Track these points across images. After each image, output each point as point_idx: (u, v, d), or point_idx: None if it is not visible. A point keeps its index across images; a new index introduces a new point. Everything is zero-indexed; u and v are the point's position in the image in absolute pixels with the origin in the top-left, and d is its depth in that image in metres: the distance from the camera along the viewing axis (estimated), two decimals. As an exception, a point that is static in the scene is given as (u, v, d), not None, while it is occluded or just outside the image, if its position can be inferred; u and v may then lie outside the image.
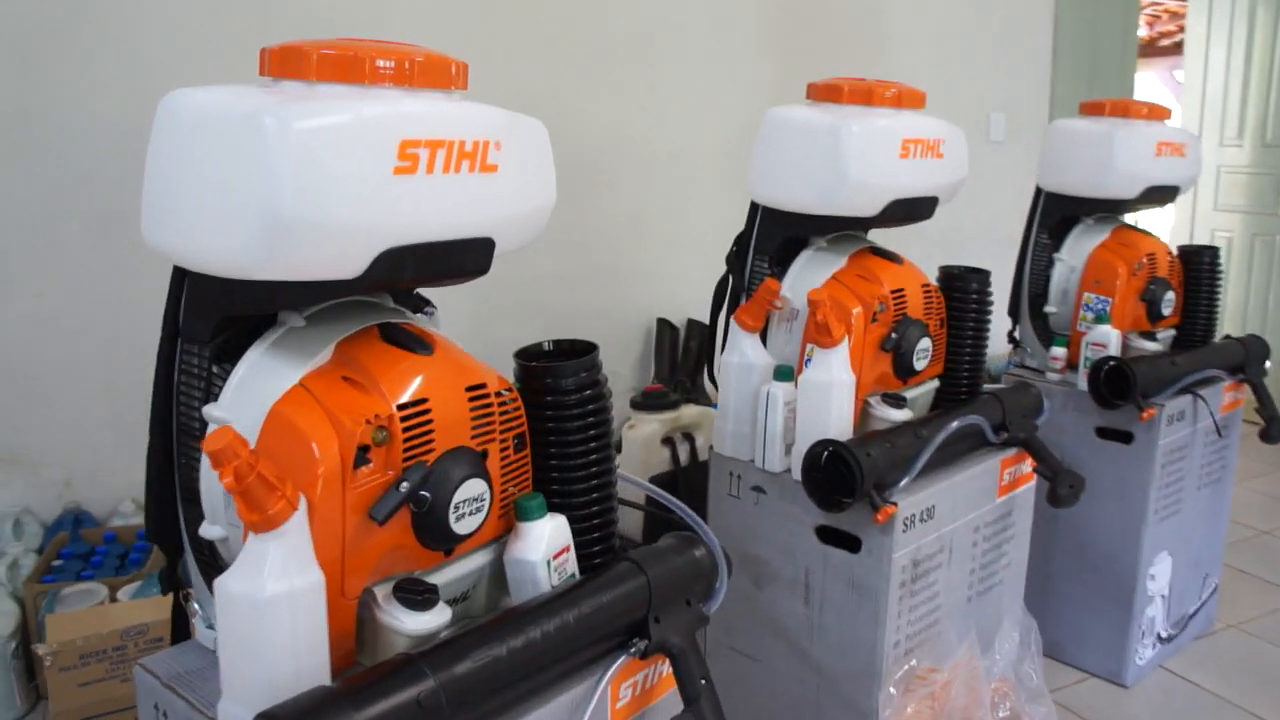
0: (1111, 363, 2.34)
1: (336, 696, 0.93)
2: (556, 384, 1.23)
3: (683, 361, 3.51)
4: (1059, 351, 2.55)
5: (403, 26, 2.93)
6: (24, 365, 2.54)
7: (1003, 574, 2.07)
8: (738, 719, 2.01)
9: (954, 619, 1.95)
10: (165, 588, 1.26)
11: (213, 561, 1.15)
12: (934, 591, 1.88)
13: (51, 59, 2.47)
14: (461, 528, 1.09)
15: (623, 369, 3.51)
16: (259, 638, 0.95)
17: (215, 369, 1.13)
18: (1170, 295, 2.55)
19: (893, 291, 1.87)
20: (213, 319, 1.11)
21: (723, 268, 2.05)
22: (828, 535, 1.84)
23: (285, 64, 1.03)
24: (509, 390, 1.19)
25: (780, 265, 1.98)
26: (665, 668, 1.25)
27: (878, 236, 2.07)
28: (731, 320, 1.94)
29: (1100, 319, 2.47)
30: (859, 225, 2.00)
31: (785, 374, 1.85)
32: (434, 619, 1.07)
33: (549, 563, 1.17)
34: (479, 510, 1.11)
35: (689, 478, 3.07)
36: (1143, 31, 7.40)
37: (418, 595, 1.07)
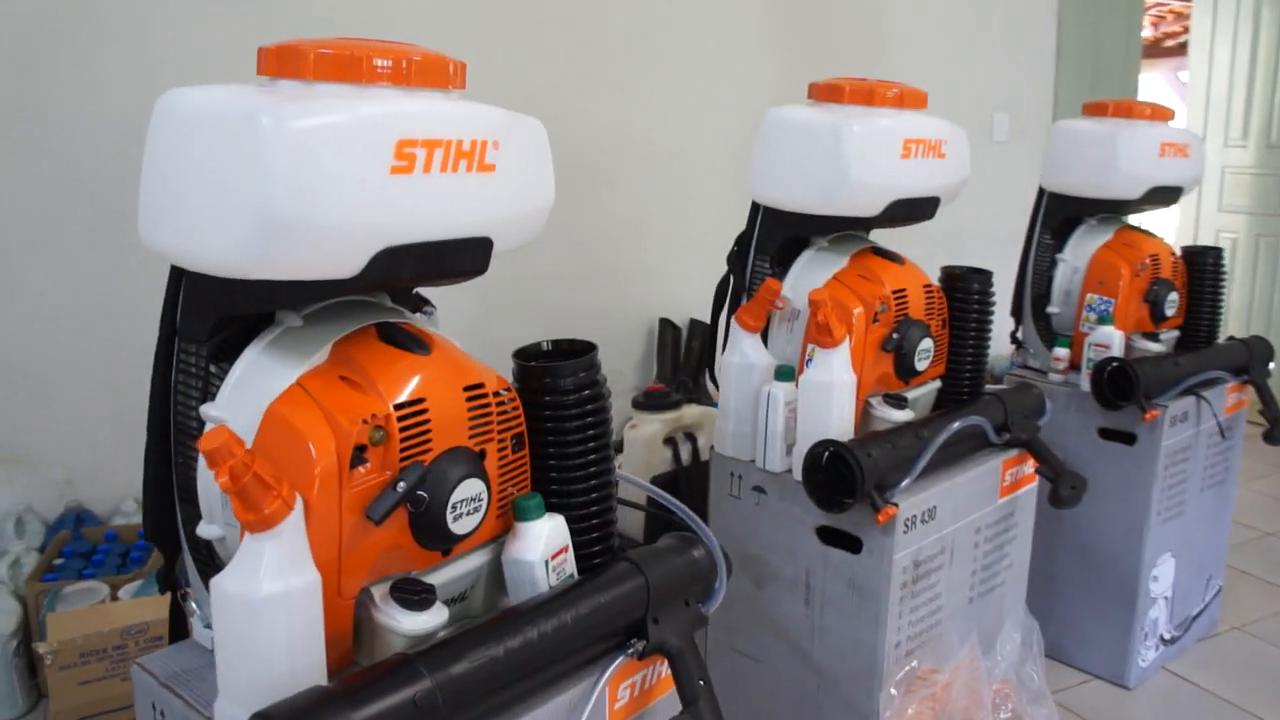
0: (1114, 364, 2.34)
1: (332, 696, 0.92)
2: (555, 384, 1.22)
3: (685, 361, 3.51)
4: (1062, 352, 2.54)
5: (403, 27, 2.93)
6: (26, 364, 2.54)
7: (1004, 575, 2.07)
8: (738, 719, 2.01)
9: (955, 620, 1.94)
10: (163, 587, 1.26)
11: (210, 561, 1.15)
12: (935, 592, 1.88)
13: (51, 59, 2.48)
14: (459, 528, 1.09)
15: (625, 369, 3.51)
16: (255, 637, 0.95)
17: (213, 368, 1.13)
18: (1174, 296, 2.54)
19: (894, 292, 1.87)
20: (210, 318, 1.11)
21: (724, 268, 2.04)
22: (829, 536, 1.83)
23: (283, 63, 1.03)
24: (507, 390, 1.19)
25: (781, 265, 1.97)
26: (664, 668, 1.25)
27: (880, 237, 2.07)
28: (732, 320, 1.94)
29: (1103, 320, 2.46)
30: (860, 225, 1.99)
31: (786, 374, 1.85)
32: (431, 619, 1.07)
33: (547, 563, 1.17)
34: (476, 510, 1.11)
35: (691, 478, 3.06)
36: (1148, 32, 7.39)
37: (415, 595, 1.06)
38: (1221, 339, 2.66)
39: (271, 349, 1.11)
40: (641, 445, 3.04)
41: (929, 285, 1.95)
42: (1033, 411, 2.04)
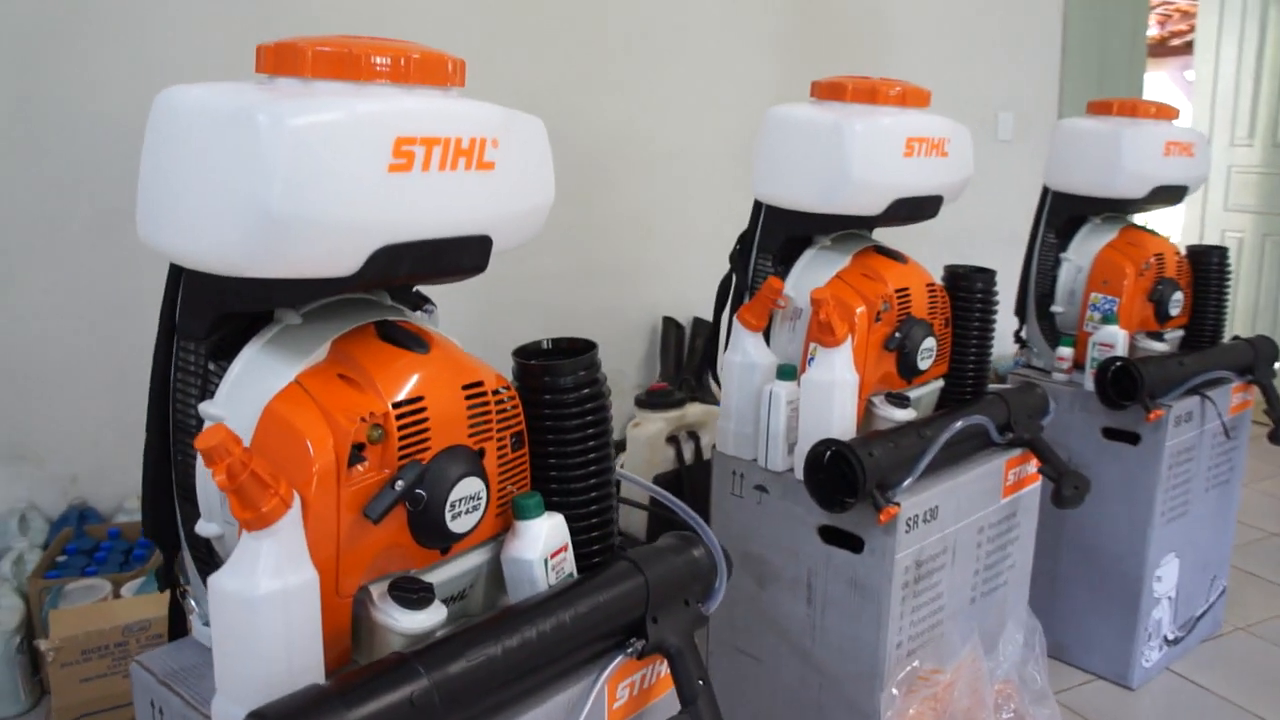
0: (1118, 363, 2.33)
1: (329, 695, 0.92)
2: (555, 382, 1.22)
3: (688, 360, 3.51)
4: (1065, 352, 2.54)
5: (403, 27, 2.93)
6: (29, 363, 2.55)
7: (1007, 575, 2.06)
8: (739, 719, 2.01)
9: (957, 620, 1.94)
10: (162, 585, 1.26)
11: (209, 559, 1.15)
12: (937, 592, 1.87)
13: (51, 59, 2.48)
14: (458, 526, 1.09)
15: (628, 367, 3.50)
16: (252, 636, 0.95)
17: (211, 366, 1.13)
18: (1178, 295, 2.53)
19: (897, 291, 1.86)
20: (208, 316, 1.11)
21: (728, 266, 2.04)
22: (830, 535, 1.83)
23: (281, 61, 1.03)
24: (507, 389, 1.18)
25: (784, 264, 1.97)
26: (663, 668, 1.25)
27: (885, 236, 2.06)
28: (734, 319, 1.93)
29: (1107, 319, 2.45)
30: (863, 224, 1.99)
31: (788, 373, 1.84)
32: (429, 618, 1.07)
33: (546, 562, 1.17)
34: (475, 509, 1.11)
35: (693, 476, 3.06)
36: (1154, 31, 7.37)
37: (413, 594, 1.06)
38: (1227, 339, 2.65)
39: (270, 347, 1.11)
40: (644, 444, 3.04)
41: (932, 284, 1.94)
42: (1036, 411, 2.03)
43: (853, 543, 1.79)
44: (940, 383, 2.01)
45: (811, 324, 1.81)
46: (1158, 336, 2.52)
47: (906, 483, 1.74)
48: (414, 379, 1.09)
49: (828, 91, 1.89)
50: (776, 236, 1.96)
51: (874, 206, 1.85)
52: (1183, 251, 2.62)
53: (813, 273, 1.92)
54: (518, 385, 1.23)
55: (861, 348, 1.80)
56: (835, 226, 1.97)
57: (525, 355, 1.26)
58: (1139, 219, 2.78)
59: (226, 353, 1.12)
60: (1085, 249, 2.57)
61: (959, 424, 1.82)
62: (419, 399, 1.07)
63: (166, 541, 1.21)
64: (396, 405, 1.05)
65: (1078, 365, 2.52)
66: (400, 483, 1.04)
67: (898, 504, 1.70)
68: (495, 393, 1.16)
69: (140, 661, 1.16)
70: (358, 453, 1.02)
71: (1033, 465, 2.02)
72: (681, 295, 3.53)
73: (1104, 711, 2.44)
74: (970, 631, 1.92)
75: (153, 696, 1.13)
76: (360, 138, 0.97)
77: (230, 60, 2.55)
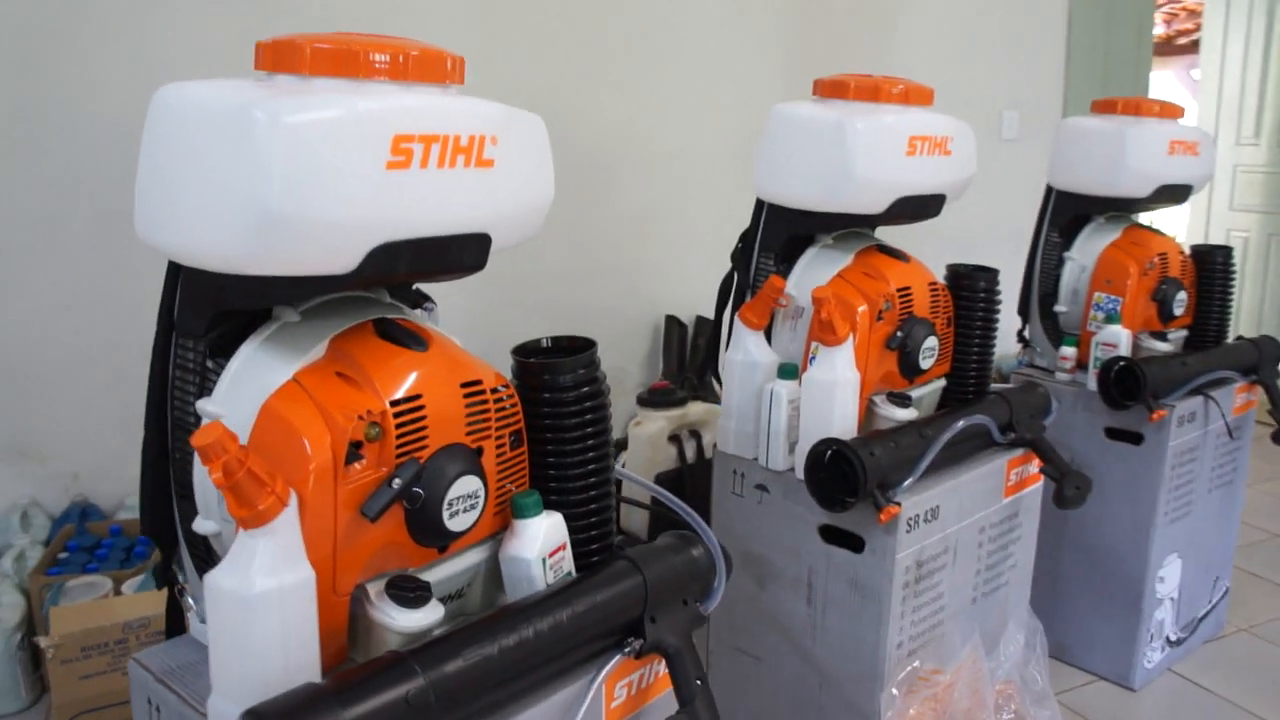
0: (1121, 363, 2.32)
1: (324, 694, 0.92)
2: (554, 381, 1.22)
3: (691, 359, 3.50)
4: (1068, 351, 2.53)
5: (404, 26, 2.90)
6: (31, 361, 2.55)
7: (1008, 575, 2.05)
8: (739, 719, 2.00)
9: (958, 620, 1.93)
10: (160, 582, 1.26)
11: (207, 556, 1.15)
12: (938, 592, 1.87)
13: (51, 59, 2.48)
14: (455, 525, 1.09)
15: (630, 366, 3.50)
16: (248, 634, 0.94)
17: (210, 363, 1.12)
18: (1182, 295, 2.52)
19: (899, 289, 1.85)
20: (207, 314, 1.11)
21: (729, 265, 2.03)
22: (831, 535, 1.82)
23: (279, 58, 1.03)
24: (505, 387, 1.18)
25: (785, 262, 1.96)
26: (661, 668, 1.24)
27: (888, 235, 2.05)
28: (736, 317, 1.93)
29: (1111, 319, 2.44)
30: (865, 223, 1.98)
31: (789, 372, 1.84)
32: (426, 616, 1.07)
33: (544, 560, 1.16)
34: (473, 507, 1.10)
35: (695, 475, 3.05)
36: (1160, 30, 7.34)
37: (410, 592, 1.06)
38: (1230, 338, 2.64)
39: (268, 344, 1.10)
40: (646, 442, 3.03)
41: (934, 283, 1.94)
42: (1038, 411, 2.02)
43: (853, 542, 1.79)
44: (942, 382, 2.00)
45: (813, 323, 1.81)
46: (1161, 336, 2.51)
47: (907, 482, 1.73)
48: (412, 377, 1.08)
49: (830, 89, 1.89)
50: (778, 235, 1.96)
51: (876, 205, 1.85)
52: (1187, 251, 2.62)
53: (814, 271, 1.91)
54: (517, 383, 1.22)
55: (863, 347, 1.79)
56: (837, 225, 1.97)
57: (524, 353, 1.26)
58: (1143, 218, 2.77)
59: (225, 350, 1.12)
60: (1089, 248, 2.56)
61: (960, 424, 1.82)
62: (417, 397, 1.07)
63: (164, 539, 1.21)
64: (394, 403, 1.05)
65: (1081, 365, 2.51)
66: (397, 481, 1.04)
67: (898, 504, 1.70)
68: (494, 391, 1.15)
69: (137, 659, 1.16)
70: (355, 450, 1.02)
71: (1035, 465, 2.01)
72: (684, 293, 3.53)
73: (1106, 713, 2.43)
74: (971, 632, 1.92)
75: (149, 694, 1.13)
76: (358, 135, 0.97)
77: (230, 60, 2.55)
